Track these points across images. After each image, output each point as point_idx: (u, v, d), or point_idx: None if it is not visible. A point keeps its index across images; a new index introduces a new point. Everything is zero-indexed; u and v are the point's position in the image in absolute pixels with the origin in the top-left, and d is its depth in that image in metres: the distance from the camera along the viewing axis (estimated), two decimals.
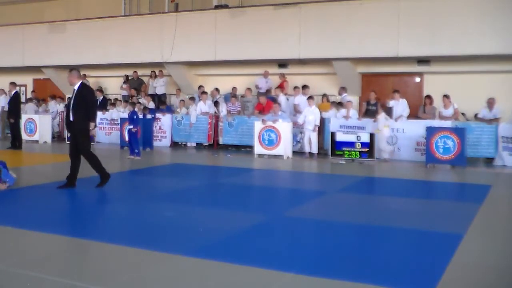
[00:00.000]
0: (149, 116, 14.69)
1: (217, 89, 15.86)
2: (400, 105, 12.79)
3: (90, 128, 7.75)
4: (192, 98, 15.38)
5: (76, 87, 7.81)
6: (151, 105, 15.66)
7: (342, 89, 14.62)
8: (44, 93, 19.52)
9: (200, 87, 16.20)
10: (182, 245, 4.83)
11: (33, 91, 19.87)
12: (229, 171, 10.29)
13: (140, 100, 15.65)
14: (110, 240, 4.93)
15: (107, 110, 16.37)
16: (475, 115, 13.01)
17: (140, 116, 13.17)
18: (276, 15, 15.23)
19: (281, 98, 14.17)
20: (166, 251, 4.58)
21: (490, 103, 11.99)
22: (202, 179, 9.45)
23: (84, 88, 7.92)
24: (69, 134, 8.29)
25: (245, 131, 13.90)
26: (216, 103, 15.06)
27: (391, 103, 12.89)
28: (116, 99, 17.54)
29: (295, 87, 14.25)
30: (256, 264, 4.31)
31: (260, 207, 7.03)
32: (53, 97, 18.34)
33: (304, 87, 14.11)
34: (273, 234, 5.56)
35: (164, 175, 10.07)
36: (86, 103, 7.76)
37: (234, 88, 15.95)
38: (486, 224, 6.06)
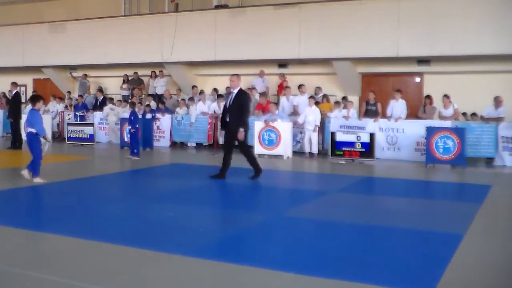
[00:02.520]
0: (149, 116, 14.69)
1: (215, 89, 15.87)
2: (399, 105, 12.79)
3: (239, 132, 8.46)
4: (191, 99, 15.38)
5: (235, 91, 8.65)
6: (153, 105, 15.68)
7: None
8: (44, 93, 19.47)
9: (193, 87, 16.18)
10: (182, 245, 4.83)
11: (34, 91, 19.84)
12: (229, 171, 10.26)
13: (142, 100, 15.72)
14: (110, 240, 4.92)
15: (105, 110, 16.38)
16: (472, 114, 13.03)
17: (140, 116, 13.16)
18: (276, 15, 15.23)
19: (282, 98, 14.16)
20: (166, 251, 4.58)
21: (499, 101, 11.89)
22: (202, 179, 9.43)
23: (242, 94, 8.73)
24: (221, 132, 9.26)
25: None
26: (220, 96, 15.05)
27: (391, 102, 12.91)
28: (117, 100, 17.57)
29: (300, 85, 14.17)
30: (256, 264, 4.31)
31: (260, 207, 7.03)
32: (54, 97, 18.32)
33: (300, 86, 14.08)
34: (273, 234, 5.56)
35: (164, 175, 10.06)
36: (242, 109, 8.54)
37: (227, 88, 15.94)
38: (486, 224, 6.06)
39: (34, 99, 8.61)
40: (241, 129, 8.52)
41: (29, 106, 17.39)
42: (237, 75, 9.07)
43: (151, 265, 4.25)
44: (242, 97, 8.69)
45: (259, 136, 12.68)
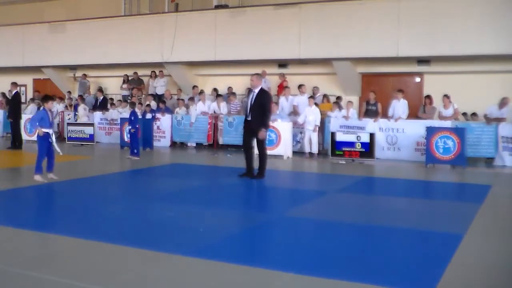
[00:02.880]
0: (149, 116, 14.69)
1: (215, 89, 15.87)
2: (400, 105, 12.79)
3: (260, 132, 8.73)
4: (191, 99, 15.39)
5: (256, 90, 8.84)
6: (153, 104, 15.68)
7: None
8: (44, 93, 19.51)
9: (194, 87, 16.20)
10: (182, 245, 4.83)
11: (37, 91, 19.83)
12: (229, 171, 10.28)
13: (142, 100, 15.71)
14: (110, 240, 4.92)
15: (107, 110, 16.37)
16: (472, 114, 13.03)
17: (140, 116, 13.16)
18: (276, 15, 15.23)
19: (281, 98, 14.16)
20: (166, 251, 4.58)
21: (504, 103, 11.81)
22: (202, 179, 9.44)
23: (263, 93, 8.94)
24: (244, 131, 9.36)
25: None
26: (219, 96, 15.06)
27: (392, 102, 12.91)
28: (118, 100, 17.57)
29: (300, 85, 14.18)
30: (256, 264, 4.31)
31: (260, 207, 7.03)
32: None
33: (300, 86, 14.08)
34: (273, 234, 5.56)
35: (164, 175, 10.06)
36: (263, 108, 8.77)
37: (229, 88, 15.96)
38: (486, 224, 6.06)
39: (44, 99, 8.71)
40: (263, 129, 8.84)
41: (31, 106, 17.54)
42: (258, 74, 9.32)
43: (151, 265, 4.25)
44: (263, 96, 8.93)
45: None
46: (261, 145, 9.04)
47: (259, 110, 8.79)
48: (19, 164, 11.40)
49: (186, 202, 7.08)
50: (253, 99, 8.87)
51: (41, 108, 9.01)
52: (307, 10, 14.88)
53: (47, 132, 8.28)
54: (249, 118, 8.90)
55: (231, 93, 15.27)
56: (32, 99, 18.43)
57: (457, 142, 10.99)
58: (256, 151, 9.28)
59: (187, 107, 15.28)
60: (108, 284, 3.84)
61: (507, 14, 12.76)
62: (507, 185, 9.50)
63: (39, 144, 8.35)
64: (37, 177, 8.20)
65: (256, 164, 9.15)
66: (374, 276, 4.04)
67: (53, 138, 8.38)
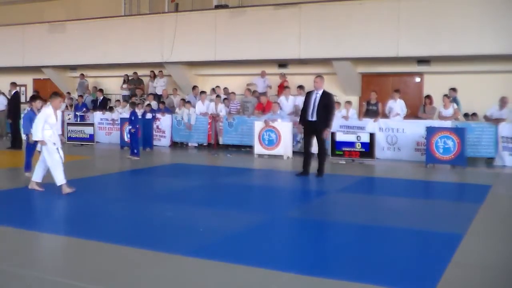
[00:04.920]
0: (149, 116, 14.69)
1: (214, 89, 15.87)
2: (397, 105, 12.82)
3: (325, 131, 9.22)
4: (189, 101, 15.36)
5: (320, 91, 9.28)
6: (154, 104, 15.68)
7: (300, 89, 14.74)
8: (44, 93, 19.47)
9: (194, 87, 16.19)
10: (182, 245, 4.83)
11: (36, 91, 19.79)
12: (229, 171, 10.28)
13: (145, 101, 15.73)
14: (110, 240, 4.92)
15: (107, 110, 16.38)
16: (473, 114, 13.03)
17: (140, 116, 13.16)
18: (276, 15, 15.23)
19: (281, 98, 14.16)
20: (166, 251, 4.58)
21: (504, 102, 11.82)
22: (202, 179, 9.44)
23: (328, 95, 9.42)
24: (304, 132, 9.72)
25: (245, 131, 13.91)
26: (217, 97, 15.05)
27: (389, 102, 12.93)
28: (116, 100, 17.59)
29: (299, 86, 14.16)
30: (256, 264, 4.31)
31: (260, 207, 7.02)
32: None
33: (300, 87, 14.06)
34: (273, 234, 5.55)
35: (164, 175, 10.06)
36: (328, 109, 9.26)
37: (225, 89, 15.94)
38: (486, 224, 6.06)
39: (32, 99, 8.74)
40: (328, 129, 9.38)
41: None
42: (321, 76, 9.61)
43: (151, 265, 4.25)
44: (328, 98, 9.39)
45: (259, 136, 12.67)
46: (323, 144, 9.45)
47: (325, 110, 9.20)
48: (19, 164, 11.37)
49: (186, 202, 7.08)
50: (317, 100, 9.23)
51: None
52: (307, 10, 14.87)
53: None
54: (313, 119, 9.24)
55: (230, 93, 15.26)
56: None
57: (457, 142, 10.99)
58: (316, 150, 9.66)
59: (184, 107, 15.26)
60: (108, 284, 3.84)
61: (507, 14, 12.76)
62: (507, 185, 9.50)
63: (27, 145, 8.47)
64: (28, 174, 8.32)
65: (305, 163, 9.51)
66: (374, 276, 4.04)
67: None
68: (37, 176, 7.53)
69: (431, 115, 12.83)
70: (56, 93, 7.72)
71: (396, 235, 5.45)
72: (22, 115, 14.52)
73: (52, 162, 7.25)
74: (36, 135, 7.32)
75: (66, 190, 7.23)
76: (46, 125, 7.30)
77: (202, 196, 7.75)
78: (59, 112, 7.73)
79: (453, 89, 13.02)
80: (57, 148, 7.38)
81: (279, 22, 15.10)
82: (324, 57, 14.65)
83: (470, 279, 4.13)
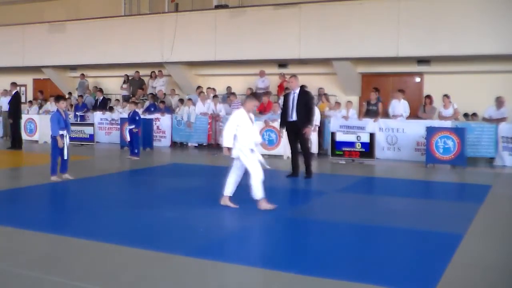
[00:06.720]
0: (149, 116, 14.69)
1: (213, 89, 15.88)
2: (401, 105, 12.80)
3: (306, 129, 8.99)
4: (189, 100, 15.37)
5: (296, 91, 9.14)
6: (146, 103, 15.69)
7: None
8: (44, 93, 19.52)
9: (198, 87, 16.20)
10: (182, 245, 4.83)
11: (40, 91, 19.79)
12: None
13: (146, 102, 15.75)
14: (110, 240, 4.92)
15: (107, 110, 16.38)
16: (473, 114, 13.03)
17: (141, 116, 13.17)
18: (276, 15, 15.23)
19: (281, 98, 14.14)
20: (166, 251, 4.58)
21: (500, 102, 11.87)
22: (202, 179, 9.44)
23: (306, 93, 9.31)
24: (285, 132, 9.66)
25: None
26: (215, 97, 15.06)
27: (392, 101, 12.92)
28: (115, 100, 17.59)
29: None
30: (256, 264, 4.31)
31: None
32: (53, 97, 18.30)
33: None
34: (273, 234, 5.56)
35: (164, 175, 10.06)
36: (307, 107, 9.09)
37: (228, 87, 15.96)
38: (486, 224, 6.06)
39: (57, 99, 8.81)
40: (310, 126, 9.21)
41: (33, 108, 17.55)
42: (295, 75, 9.52)
43: (151, 265, 4.25)
44: (306, 96, 9.27)
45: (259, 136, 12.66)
46: (305, 144, 9.21)
47: (304, 109, 9.04)
48: (19, 164, 11.41)
49: (186, 202, 7.07)
50: (295, 100, 9.08)
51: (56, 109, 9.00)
52: (307, 10, 14.87)
53: (62, 134, 8.35)
54: (293, 119, 9.07)
55: (230, 93, 15.26)
56: (35, 99, 18.44)
57: (457, 142, 10.99)
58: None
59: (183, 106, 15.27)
60: (108, 284, 3.84)
61: (507, 14, 12.76)
62: (507, 185, 9.50)
63: (53, 146, 8.42)
64: (53, 178, 8.35)
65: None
66: (374, 276, 4.04)
67: (67, 140, 8.42)
68: (228, 190, 6.81)
69: (431, 115, 12.84)
70: (61, 96, 8.08)
71: (396, 235, 5.45)
72: (22, 116, 14.69)
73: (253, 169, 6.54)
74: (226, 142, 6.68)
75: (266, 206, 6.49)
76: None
77: (202, 196, 7.74)
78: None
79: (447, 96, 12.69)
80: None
81: (279, 22, 15.10)
82: (324, 57, 14.65)
83: (470, 279, 4.13)
